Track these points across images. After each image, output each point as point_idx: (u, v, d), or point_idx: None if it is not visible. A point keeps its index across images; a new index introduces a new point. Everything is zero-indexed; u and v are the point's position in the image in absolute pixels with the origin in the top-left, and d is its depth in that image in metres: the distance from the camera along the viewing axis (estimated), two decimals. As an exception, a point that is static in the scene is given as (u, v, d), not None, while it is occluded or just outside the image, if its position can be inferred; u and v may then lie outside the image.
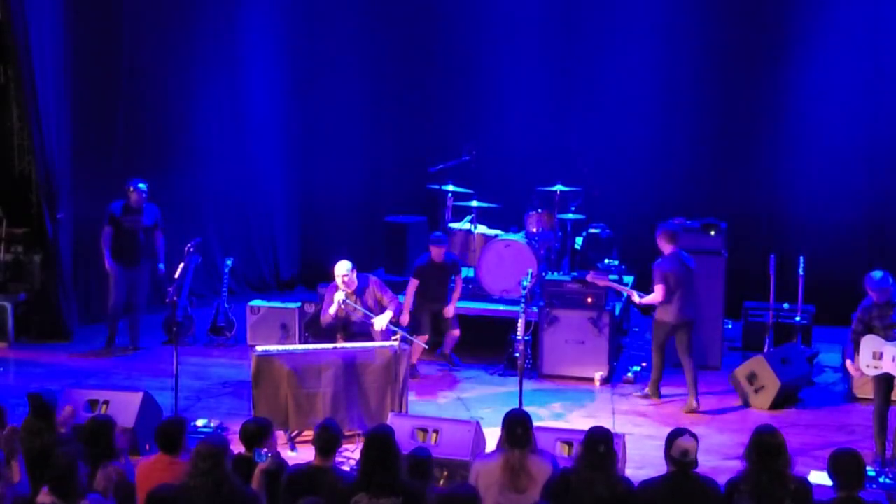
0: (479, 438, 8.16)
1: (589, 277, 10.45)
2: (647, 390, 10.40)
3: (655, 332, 10.26)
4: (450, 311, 10.94)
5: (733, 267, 11.44)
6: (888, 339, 8.47)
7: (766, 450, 5.91)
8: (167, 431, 6.43)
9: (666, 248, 10.14)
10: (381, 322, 9.61)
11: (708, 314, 10.83)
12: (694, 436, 6.07)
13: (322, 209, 14.77)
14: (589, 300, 10.87)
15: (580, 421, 9.44)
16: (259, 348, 9.23)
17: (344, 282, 9.68)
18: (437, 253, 10.82)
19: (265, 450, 6.33)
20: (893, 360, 8.44)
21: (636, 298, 10.23)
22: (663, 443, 6.09)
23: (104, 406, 8.53)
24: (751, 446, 5.99)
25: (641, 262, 12.52)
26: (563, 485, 6.01)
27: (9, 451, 6.35)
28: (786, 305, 11.39)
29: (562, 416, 9.79)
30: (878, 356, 8.52)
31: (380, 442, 5.98)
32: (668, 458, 6.02)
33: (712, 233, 11.17)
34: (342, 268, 9.72)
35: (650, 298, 10.07)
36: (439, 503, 5.60)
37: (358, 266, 9.99)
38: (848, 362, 8.91)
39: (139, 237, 11.45)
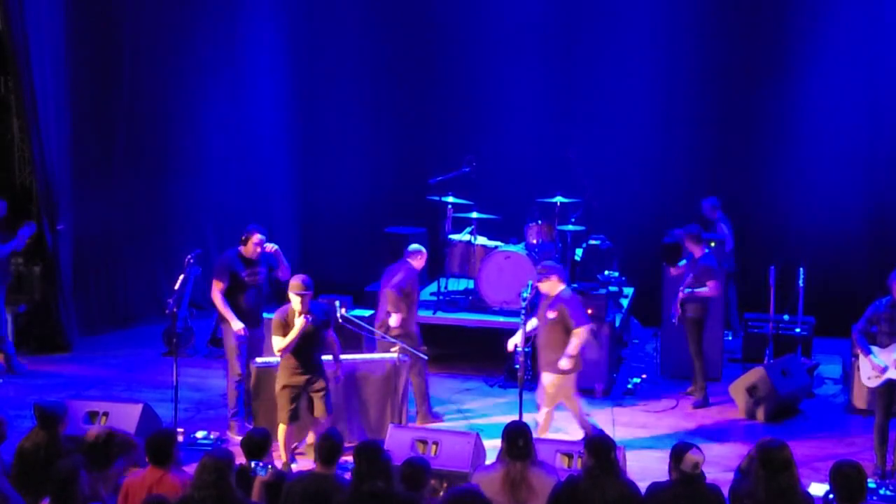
0: (479, 450, 8.16)
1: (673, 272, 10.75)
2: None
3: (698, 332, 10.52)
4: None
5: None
6: (886, 345, 8.47)
7: (772, 463, 5.89)
8: (157, 443, 6.34)
9: (697, 250, 10.44)
10: None
11: (708, 326, 10.83)
12: (699, 448, 6.09)
13: (322, 220, 14.78)
14: (588, 312, 10.83)
15: (580, 433, 9.40)
16: (259, 360, 9.23)
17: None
18: None
19: (263, 461, 6.33)
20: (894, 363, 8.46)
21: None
22: (664, 454, 6.12)
23: (104, 417, 8.51)
24: (756, 459, 5.97)
25: (641, 273, 12.55)
26: (570, 492, 6.01)
27: None
28: (786, 317, 11.39)
29: (562, 429, 9.77)
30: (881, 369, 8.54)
31: (368, 453, 5.99)
32: (676, 471, 6.00)
33: (712, 244, 11.18)
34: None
35: (705, 292, 10.33)
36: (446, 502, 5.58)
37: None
38: (870, 358, 8.54)
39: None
